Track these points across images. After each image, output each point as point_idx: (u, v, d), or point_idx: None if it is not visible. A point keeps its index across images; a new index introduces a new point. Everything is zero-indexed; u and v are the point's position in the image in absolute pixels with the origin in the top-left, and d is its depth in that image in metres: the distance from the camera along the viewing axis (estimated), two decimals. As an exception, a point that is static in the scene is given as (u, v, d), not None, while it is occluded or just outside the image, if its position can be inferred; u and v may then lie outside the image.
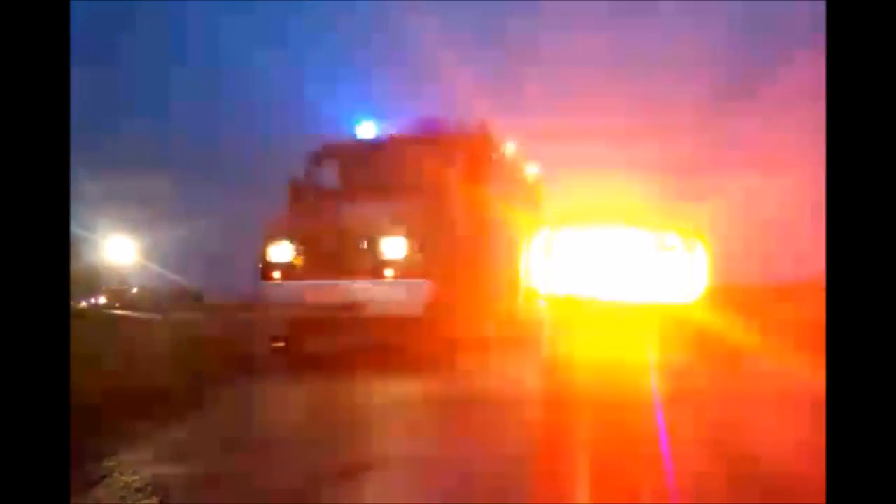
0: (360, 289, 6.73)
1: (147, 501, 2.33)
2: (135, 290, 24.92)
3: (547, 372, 1.99)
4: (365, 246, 6.90)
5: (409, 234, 6.86)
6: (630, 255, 0.98)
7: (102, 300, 22.87)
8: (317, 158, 8.44)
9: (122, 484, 2.52)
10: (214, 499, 2.44)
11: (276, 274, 7.17)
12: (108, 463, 2.83)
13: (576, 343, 1.55)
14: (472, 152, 8.60)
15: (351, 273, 6.81)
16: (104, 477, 2.60)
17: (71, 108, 1.47)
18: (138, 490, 2.44)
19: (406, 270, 6.77)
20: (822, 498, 1.17)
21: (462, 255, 8.06)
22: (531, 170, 11.43)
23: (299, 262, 7.12)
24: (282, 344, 7.92)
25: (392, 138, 8.45)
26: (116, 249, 20.66)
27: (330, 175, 8.51)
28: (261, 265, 7.32)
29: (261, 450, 3.12)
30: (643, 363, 1.72)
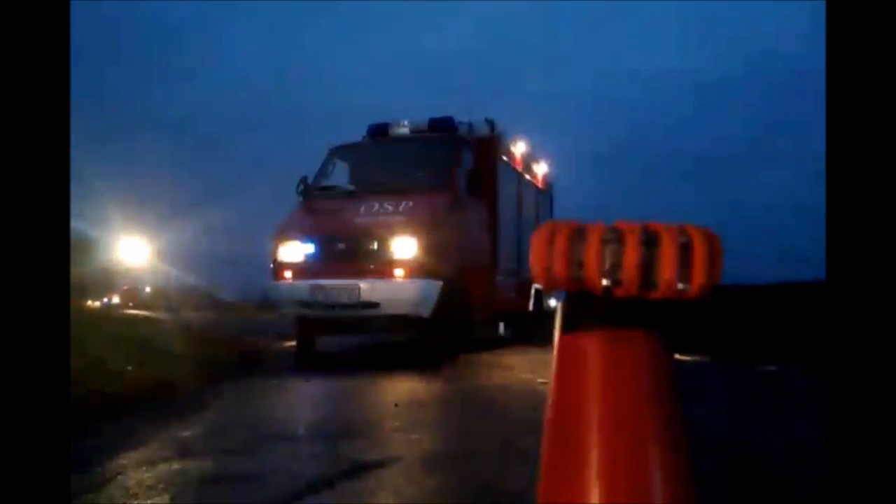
0: (370, 288, 6.74)
1: (157, 499, 2.34)
2: (148, 289, 25.14)
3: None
4: (376, 246, 6.91)
5: (420, 234, 6.86)
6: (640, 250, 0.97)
7: (116, 300, 23.09)
8: (328, 159, 8.49)
9: (133, 481, 2.54)
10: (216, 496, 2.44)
11: (287, 273, 7.20)
12: (119, 461, 2.85)
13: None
14: (482, 151, 8.60)
15: (362, 273, 6.83)
16: (118, 475, 2.61)
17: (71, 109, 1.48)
18: (150, 487, 2.46)
19: (417, 270, 6.77)
20: None
21: (472, 255, 8.06)
22: (541, 167, 11.42)
23: (309, 261, 7.16)
24: (293, 343, 7.97)
25: (402, 138, 8.48)
26: (130, 249, 20.86)
27: (341, 175, 8.55)
28: (272, 265, 7.36)
29: (258, 449, 3.12)
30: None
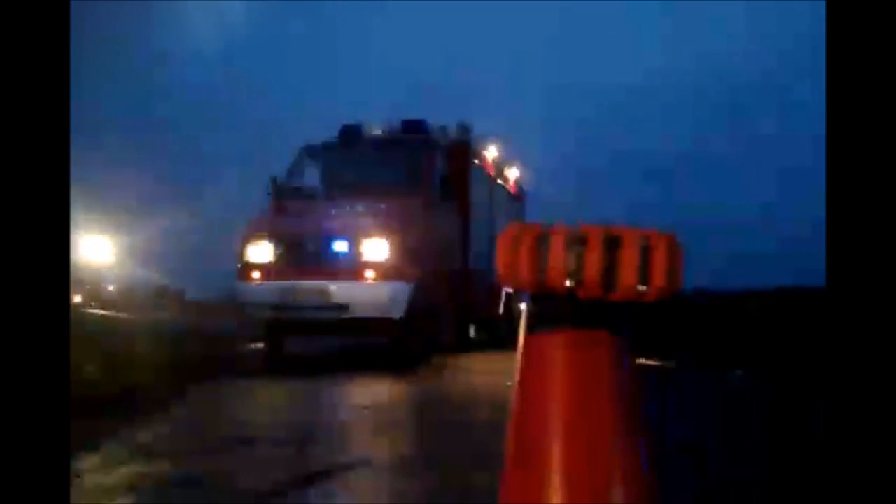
0: (341, 290, 6.70)
1: (121, 501, 2.29)
2: (111, 288, 24.50)
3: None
4: (346, 247, 6.87)
5: (391, 237, 6.85)
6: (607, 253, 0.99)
7: (78, 299, 22.44)
8: (299, 158, 8.41)
9: (93, 483, 2.48)
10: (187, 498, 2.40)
11: (256, 274, 7.11)
12: (78, 463, 2.78)
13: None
14: (455, 155, 8.63)
15: (331, 274, 6.78)
16: (76, 478, 2.55)
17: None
18: (109, 489, 2.40)
19: (388, 272, 6.75)
20: None
21: (444, 258, 8.07)
22: (513, 172, 11.50)
23: (279, 262, 7.07)
24: (260, 345, 7.86)
25: (374, 140, 8.45)
26: (92, 247, 20.33)
27: (312, 176, 8.48)
28: (240, 265, 7.25)
29: (224, 452, 3.09)
30: None
